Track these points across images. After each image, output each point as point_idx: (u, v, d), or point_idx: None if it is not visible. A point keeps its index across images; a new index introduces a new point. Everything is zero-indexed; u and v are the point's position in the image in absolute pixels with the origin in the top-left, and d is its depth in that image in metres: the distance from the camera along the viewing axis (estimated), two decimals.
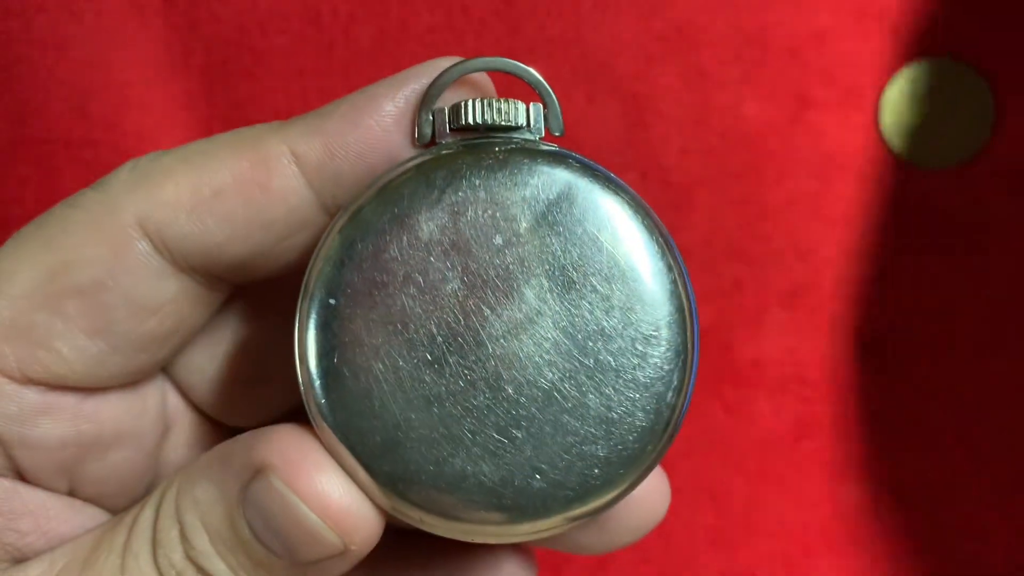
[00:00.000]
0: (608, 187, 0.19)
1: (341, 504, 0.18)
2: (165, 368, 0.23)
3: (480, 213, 0.18)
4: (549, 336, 0.18)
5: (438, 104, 0.19)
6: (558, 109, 0.19)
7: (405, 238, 0.18)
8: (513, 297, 0.18)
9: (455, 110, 0.19)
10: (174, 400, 0.23)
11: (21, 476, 0.21)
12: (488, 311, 0.18)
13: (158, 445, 0.23)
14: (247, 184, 0.19)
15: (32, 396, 0.20)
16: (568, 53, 0.36)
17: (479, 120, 0.18)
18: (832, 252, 0.36)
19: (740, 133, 0.35)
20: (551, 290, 0.18)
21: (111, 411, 0.21)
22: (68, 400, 0.20)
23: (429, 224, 0.18)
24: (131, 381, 0.21)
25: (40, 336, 0.19)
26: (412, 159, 0.19)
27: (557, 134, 0.19)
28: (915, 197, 0.35)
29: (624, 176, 0.32)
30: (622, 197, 0.19)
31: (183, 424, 0.23)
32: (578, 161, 0.19)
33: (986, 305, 0.35)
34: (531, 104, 0.19)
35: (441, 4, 0.35)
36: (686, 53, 0.35)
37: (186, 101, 0.36)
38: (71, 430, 0.21)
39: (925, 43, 0.35)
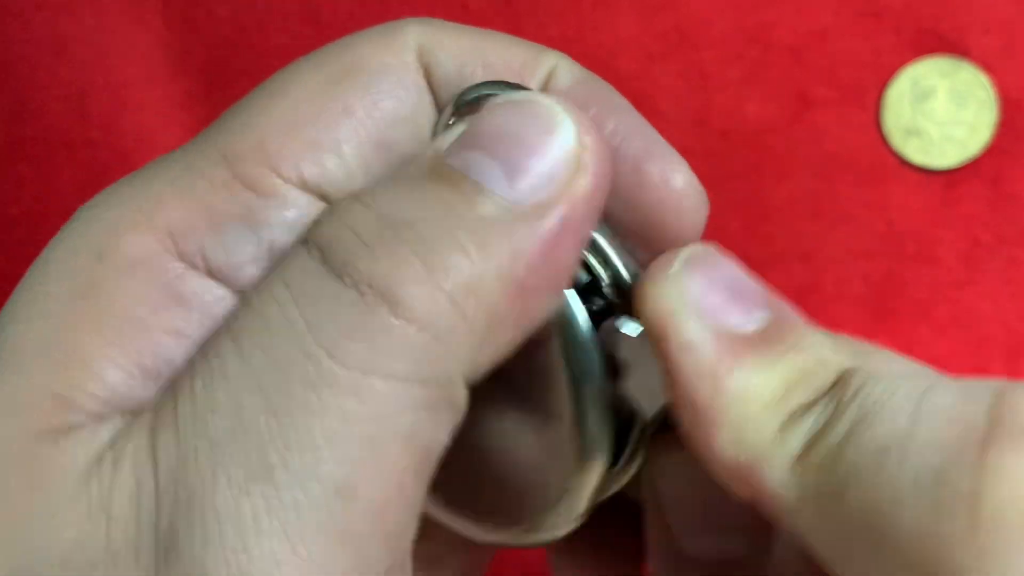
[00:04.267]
0: None
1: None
2: None
3: None
4: None
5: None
6: None
7: None
8: None
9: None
10: None
11: None
12: None
13: None
14: (510, 72, 0.19)
15: (308, 201, 0.18)
16: (568, 52, 0.35)
17: None
18: (834, 253, 0.36)
19: (741, 133, 0.35)
20: None
21: None
22: None
23: None
24: None
25: (323, 135, 0.18)
26: None
27: None
28: (917, 197, 0.35)
29: None
30: None
31: None
32: None
33: None
34: None
35: (441, 4, 0.35)
36: (687, 52, 0.35)
37: (185, 101, 0.36)
38: None
39: (927, 41, 0.35)
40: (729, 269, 0.18)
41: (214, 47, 0.36)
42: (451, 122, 0.18)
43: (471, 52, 0.19)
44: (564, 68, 0.20)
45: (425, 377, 0.15)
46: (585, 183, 0.16)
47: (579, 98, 0.19)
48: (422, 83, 0.19)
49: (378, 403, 0.15)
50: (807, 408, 0.16)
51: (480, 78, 0.19)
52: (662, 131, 0.36)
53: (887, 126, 0.35)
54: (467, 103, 0.19)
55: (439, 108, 0.19)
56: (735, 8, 0.35)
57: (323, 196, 0.18)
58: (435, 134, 0.19)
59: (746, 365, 0.16)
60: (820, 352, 0.17)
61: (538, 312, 0.16)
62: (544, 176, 0.16)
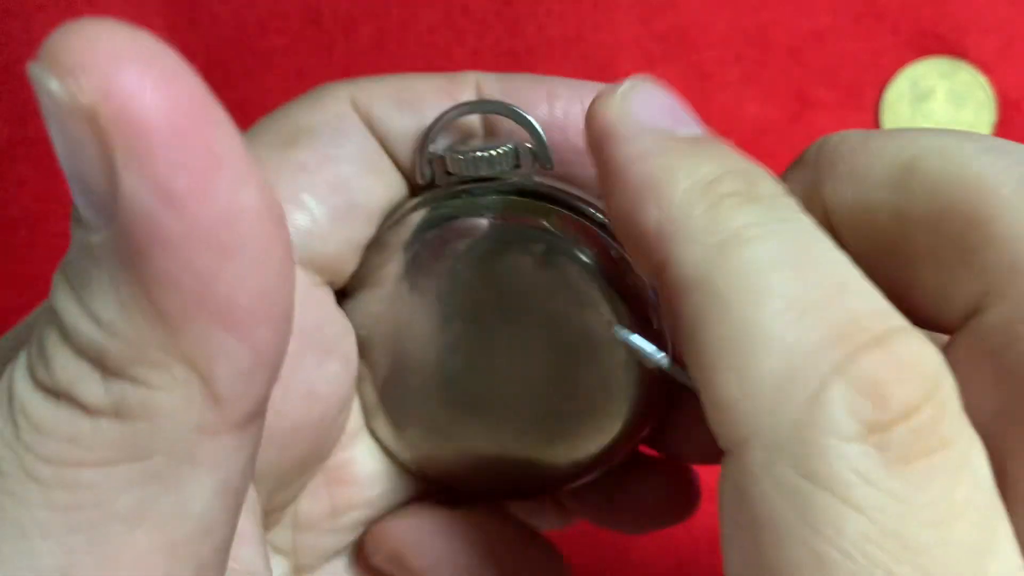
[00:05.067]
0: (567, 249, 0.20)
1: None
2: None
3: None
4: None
5: (439, 142, 0.21)
6: (546, 146, 0.20)
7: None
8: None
9: (450, 160, 0.20)
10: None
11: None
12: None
13: (354, 383, 0.22)
14: (440, 91, 0.21)
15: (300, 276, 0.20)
16: (568, 53, 0.35)
17: (465, 173, 0.20)
18: None
19: (740, 133, 0.35)
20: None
21: (330, 307, 0.21)
22: (300, 275, 0.20)
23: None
24: (344, 270, 0.21)
25: (287, 193, 0.20)
26: (415, 205, 0.21)
27: (549, 167, 0.20)
28: None
29: None
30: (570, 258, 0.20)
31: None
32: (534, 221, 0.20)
33: None
34: (518, 145, 0.20)
35: (441, 4, 0.35)
36: (686, 53, 0.35)
37: None
38: (314, 314, 0.20)
39: (925, 42, 0.35)
40: (667, 96, 0.17)
41: (215, 47, 0.36)
42: (431, 150, 0.20)
43: (399, 90, 0.21)
44: (486, 78, 0.21)
45: (139, 455, 0.14)
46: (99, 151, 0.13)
47: (512, 96, 0.21)
48: (363, 127, 0.21)
49: (89, 491, 0.14)
50: (740, 201, 0.15)
51: (420, 110, 0.21)
52: None
53: (886, 126, 0.35)
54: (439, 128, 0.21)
55: (381, 141, 0.21)
56: (734, 9, 0.35)
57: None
58: (418, 167, 0.21)
59: (678, 152, 0.16)
60: (749, 160, 0.17)
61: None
62: (84, 188, 0.13)
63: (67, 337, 0.14)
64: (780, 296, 0.14)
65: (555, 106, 0.21)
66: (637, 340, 0.19)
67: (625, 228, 0.16)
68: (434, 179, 0.21)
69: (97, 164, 0.13)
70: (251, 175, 0.13)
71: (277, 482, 0.20)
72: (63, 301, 0.14)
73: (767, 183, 0.16)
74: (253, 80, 0.36)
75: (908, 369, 0.14)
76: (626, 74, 0.37)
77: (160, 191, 0.13)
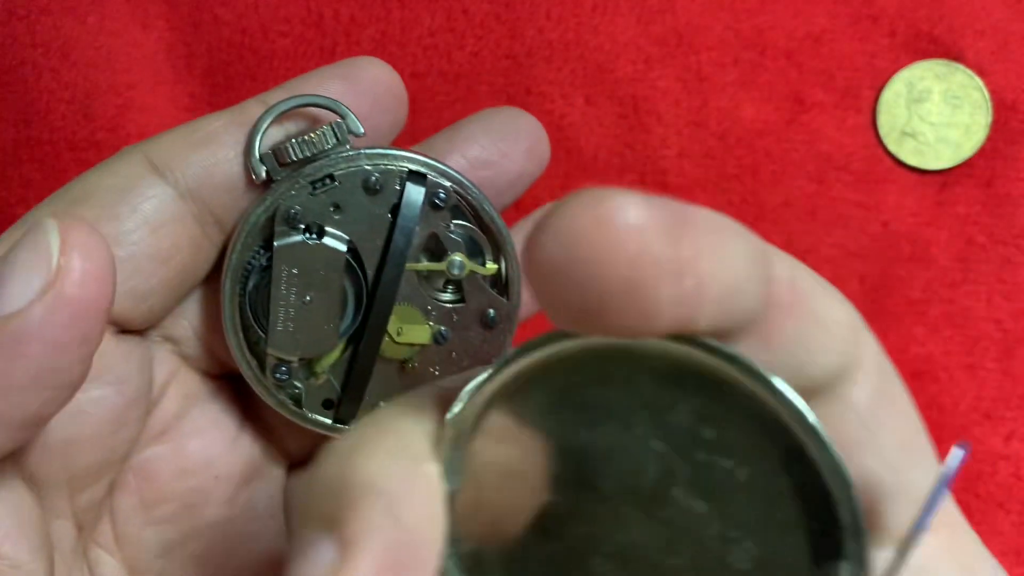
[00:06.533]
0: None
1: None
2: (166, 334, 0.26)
3: None
4: None
5: (264, 144, 0.24)
6: (352, 117, 0.25)
7: None
8: None
9: (279, 152, 0.24)
10: (164, 368, 0.26)
11: None
12: None
13: (138, 402, 0.25)
14: (230, 122, 0.25)
15: None
16: (567, 55, 0.36)
17: (300, 156, 0.24)
18: (829, 253, 0.36)
19: (738, 135, 0.36)
20: None
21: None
22: None
23: None
24: (124, 316, 0.24)
25: None
26: (268, 203, 0.25)
27: (361, 133, 0.25)
28: (912, 198, 0.36)
29: (623, 178, 0.33)
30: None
31: (178, 382, 0.27)
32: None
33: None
34: (333, 124, 0.24)
35: (442, 7, 0.36)
36: (684, 56, 0.36)
37: (189, 103, 0.36)
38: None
39: (921, 44, 0.35)
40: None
41: (218, 50, 0.36)
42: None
43: (191, 133, 0.24)
44: (268, 93, 0.27)
45: None
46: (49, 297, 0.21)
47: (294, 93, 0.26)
48: (154, 183, 0.24)
49: None
50: None
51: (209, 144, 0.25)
52: (660, 133, 0.36)
53: (882, 128, 0.35)
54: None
55: (187, 185, 0.24)
56: (732, 12, 0.35)
57: None
58: (252, 169, 0.24)
59: None
60: None
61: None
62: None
63: None
64: None
65: (329, 87, 0.25)
66: None
67: None
68: (269, 176, 0.24)
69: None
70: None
71: (70, 486, 0.24)
72: None
73: None
74: (255, 82, 0.36)
75: None
76: (625, 75, 0.37)
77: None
